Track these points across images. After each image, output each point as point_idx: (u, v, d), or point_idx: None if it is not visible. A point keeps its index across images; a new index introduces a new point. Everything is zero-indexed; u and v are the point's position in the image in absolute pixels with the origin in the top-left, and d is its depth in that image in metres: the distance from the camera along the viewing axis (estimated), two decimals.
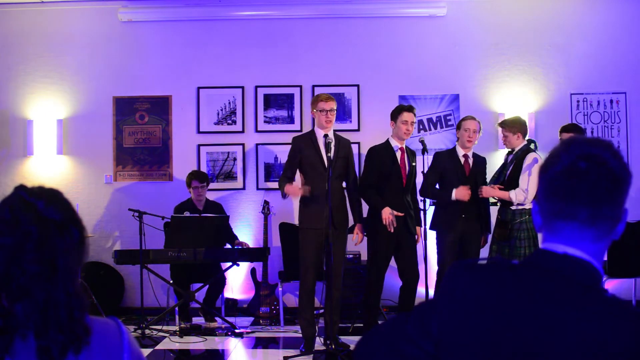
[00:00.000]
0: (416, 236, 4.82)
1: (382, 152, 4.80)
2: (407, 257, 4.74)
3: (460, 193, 4.69)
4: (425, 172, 4.81)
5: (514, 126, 4.73)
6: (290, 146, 4.77)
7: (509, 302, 1.08)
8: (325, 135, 4.61)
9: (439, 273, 4.84)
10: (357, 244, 4.79)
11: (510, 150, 4.82)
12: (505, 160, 4.85)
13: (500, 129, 4.89)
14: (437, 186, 4.91)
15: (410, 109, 4.81)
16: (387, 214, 4.57)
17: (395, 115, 4.81)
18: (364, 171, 4.90)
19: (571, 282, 1.07)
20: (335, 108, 4.69)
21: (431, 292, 4.80)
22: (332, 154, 4.41)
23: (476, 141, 4.90)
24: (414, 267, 4.74)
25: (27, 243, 1.14)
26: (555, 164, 1.12)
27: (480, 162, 4.97)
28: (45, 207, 1.18)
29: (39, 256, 1.14)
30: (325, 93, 4.88)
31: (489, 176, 4.99)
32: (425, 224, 4.76)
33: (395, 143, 4.81)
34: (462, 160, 4.87)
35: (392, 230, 4.58)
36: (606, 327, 1.00)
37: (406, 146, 4.89)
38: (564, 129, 5.02)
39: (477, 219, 4.83)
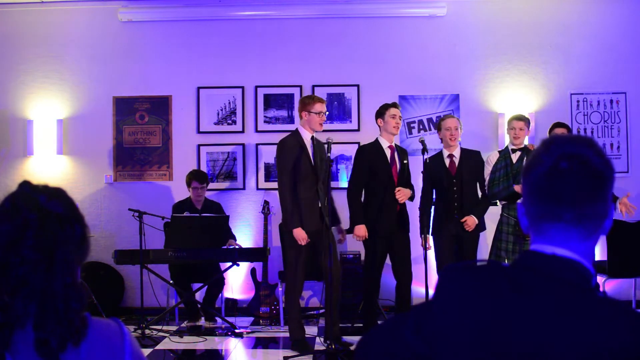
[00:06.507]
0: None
1: (371, 151, 4.76)
2: (400, 257, 4.72)
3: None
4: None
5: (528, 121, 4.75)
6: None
7: (501, 304, 1.07)
8: (312, 137, 4.66)
9: None
10: (341, 242, 4.88)
11: (521, 147, 4.74)
12: (518, 158, 4.71)
13: (520, 123, 4.71)
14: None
15: (395, 105, 4.81)
16: (360, 233, 4.64)
17: (382, 112, 4.79)
18: (353, 171, 4.84)
19: (561, 283, 1.06)
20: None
21: (431, 292, 4.78)
22: (330, 155, 4.46)
23: (459, 138, 4.88)
24: (407, 267, 4.72)
25: (27, 231, 1.14)
26: (537, 166, 1.11)
27: (469, 157, 4.87)
28: (47, 200, 1.19)
29: (38, 244, 1.14)
30: (317, 95, 4.92)
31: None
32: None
33: (384, 141, 4.79)
34: (448, 161, 4.83)
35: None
36: (599, 327, 0.99)
37: (396, 144, 4.87)
38: (556, 126, 5.07)
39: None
